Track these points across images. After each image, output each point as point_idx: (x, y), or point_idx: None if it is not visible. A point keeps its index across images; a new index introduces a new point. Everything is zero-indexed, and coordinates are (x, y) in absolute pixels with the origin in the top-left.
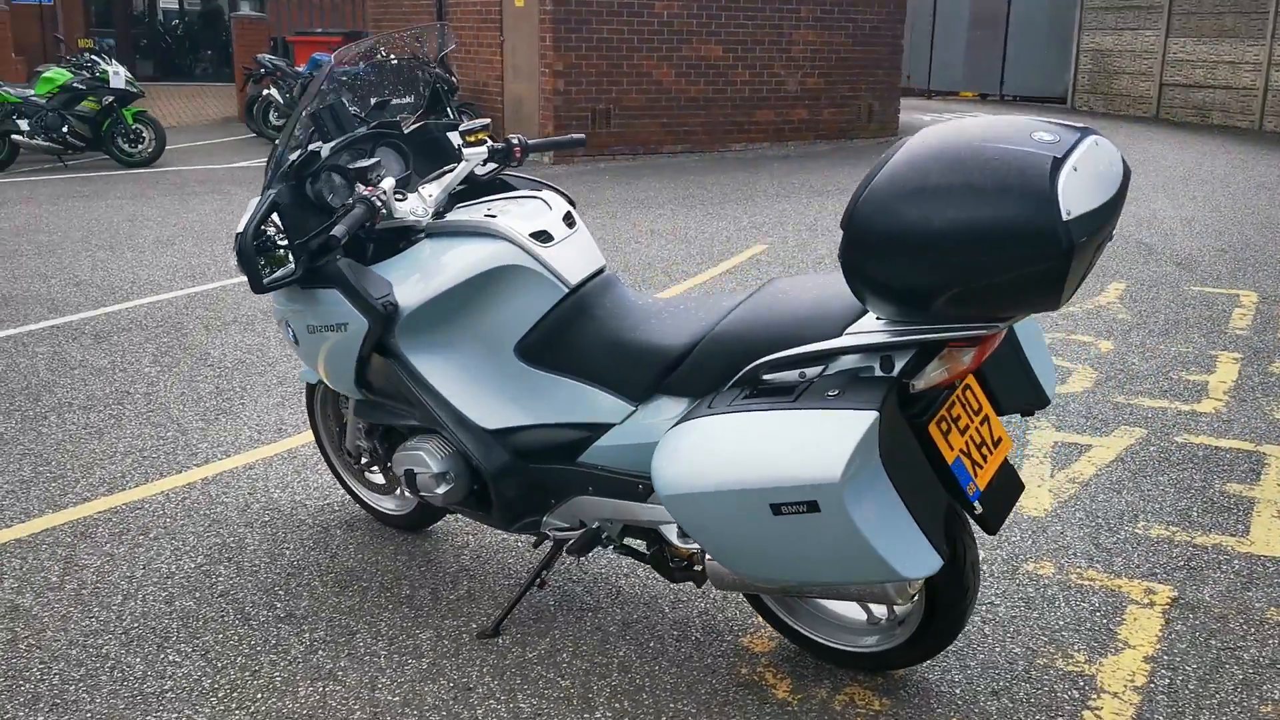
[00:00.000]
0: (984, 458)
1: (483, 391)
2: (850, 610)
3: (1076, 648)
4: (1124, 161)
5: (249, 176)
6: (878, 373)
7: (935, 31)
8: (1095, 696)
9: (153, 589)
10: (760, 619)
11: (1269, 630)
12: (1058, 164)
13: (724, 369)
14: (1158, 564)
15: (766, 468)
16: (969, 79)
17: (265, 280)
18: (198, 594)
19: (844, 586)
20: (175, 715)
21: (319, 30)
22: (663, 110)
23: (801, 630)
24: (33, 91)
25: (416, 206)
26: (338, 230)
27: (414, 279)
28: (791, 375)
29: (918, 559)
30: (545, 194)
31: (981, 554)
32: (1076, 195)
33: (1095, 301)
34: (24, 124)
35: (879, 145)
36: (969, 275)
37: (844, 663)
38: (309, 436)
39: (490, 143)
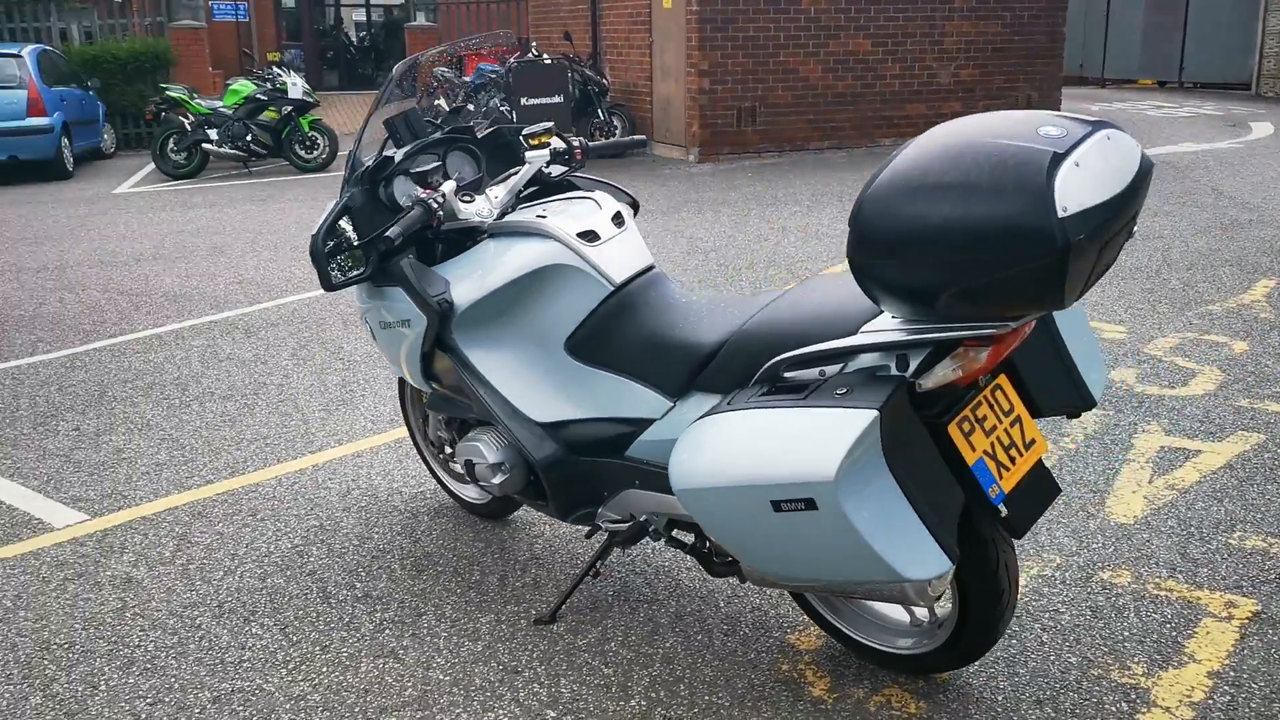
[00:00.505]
0: (1012, 460)
1: (534, 385)
2: (893, 611)
3: (1137, 660)
4: (1144, 157)
5: None
6: (893, 371)
7: (1110, 16)
8: (1145, 710)
9: (250, 566)
10: (807, 617)
11: None
12: (1058, 159)
13: (748, 366)
14: (1246, 576)
15: (766, 464)
16: (1146, 66)
17: (334, 279)
18: (288, 572)
19: (853, 585)
20: (247, 683)
21: (479, 42)
22: (809, 107)
23: (844, 629)
24: (221, 103)
25: (482, 208)
26: (391, 231)
27: (471, 277)
28: (812, 373)
29: (922, 560)
30: (598, 194)
31: (1057, 560)
32: (1075, 191)
33: (1239, 299)
34: (213, 133)
35: None
36: (967, 273)
37: (886, 663)
38: None
39: (553, 145)
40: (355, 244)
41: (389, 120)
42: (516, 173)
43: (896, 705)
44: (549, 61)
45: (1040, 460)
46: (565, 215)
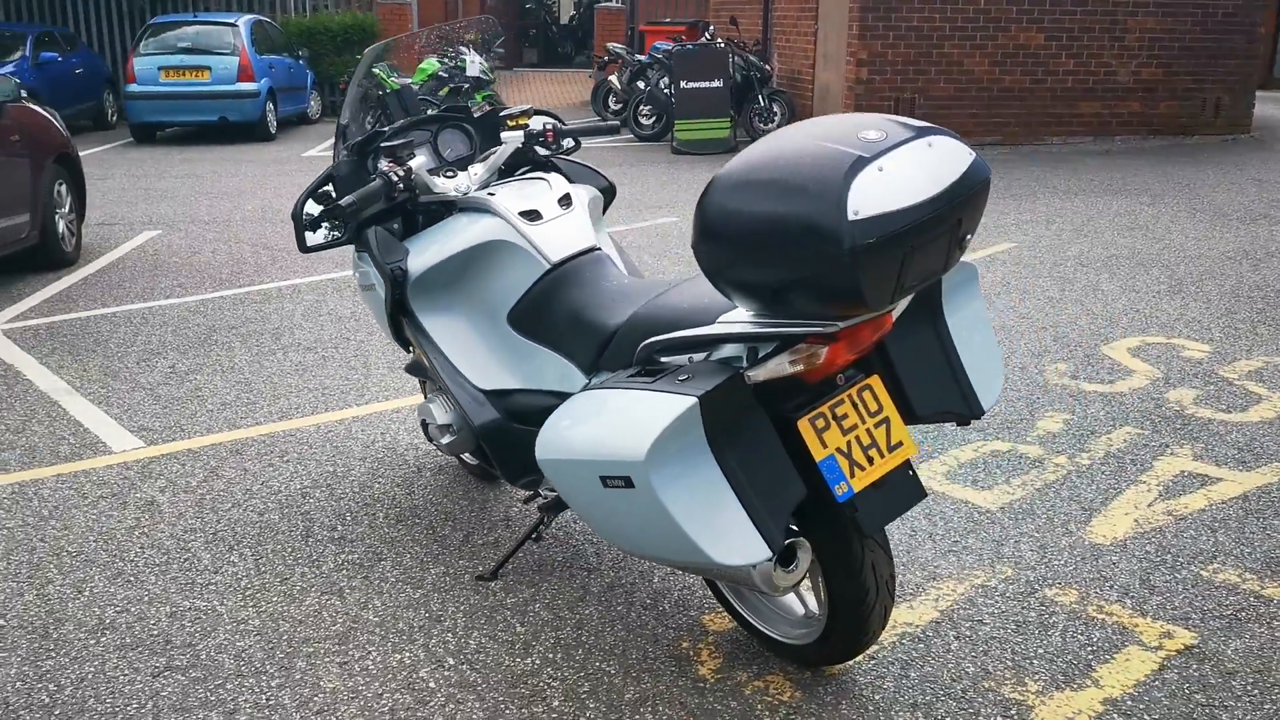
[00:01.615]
0: (869, 460)
1: (480, 354)
2: (790, 600)
3: (1037, 678)
4: (973, 168)
5: (584, 157)
6: (743, 363)
7: None
8: None
9: (256, 502)
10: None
11: (1273, 693)
12: (861, 164)
13: (633, 348)
14: (1199, 609)
15: (597, 441)
16: None
17: (309, 242)
18: (285, 510)
19: (680, 564)
20: (204, 603)
21: (667, 20)
22: (973, 101)
23: (743, 613)
24: (409, 79)
25: (462, 183)
26: (345, 200)
27: (429, 248)
28: (683, 359)
29: (738, 547)
30: (553, 176)
31: (1008, 572)
32: (872, 196)
33: None
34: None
35: (1222, 143)
36: (772, 269)
37: (778, 652)
38: None
39: (529, 127)
40: (320, 211)
41: (382, 96)
42: (494, 152)
43: (773, 692)
44: (720, 46)
45: (907, 463)
46: (514, 194)
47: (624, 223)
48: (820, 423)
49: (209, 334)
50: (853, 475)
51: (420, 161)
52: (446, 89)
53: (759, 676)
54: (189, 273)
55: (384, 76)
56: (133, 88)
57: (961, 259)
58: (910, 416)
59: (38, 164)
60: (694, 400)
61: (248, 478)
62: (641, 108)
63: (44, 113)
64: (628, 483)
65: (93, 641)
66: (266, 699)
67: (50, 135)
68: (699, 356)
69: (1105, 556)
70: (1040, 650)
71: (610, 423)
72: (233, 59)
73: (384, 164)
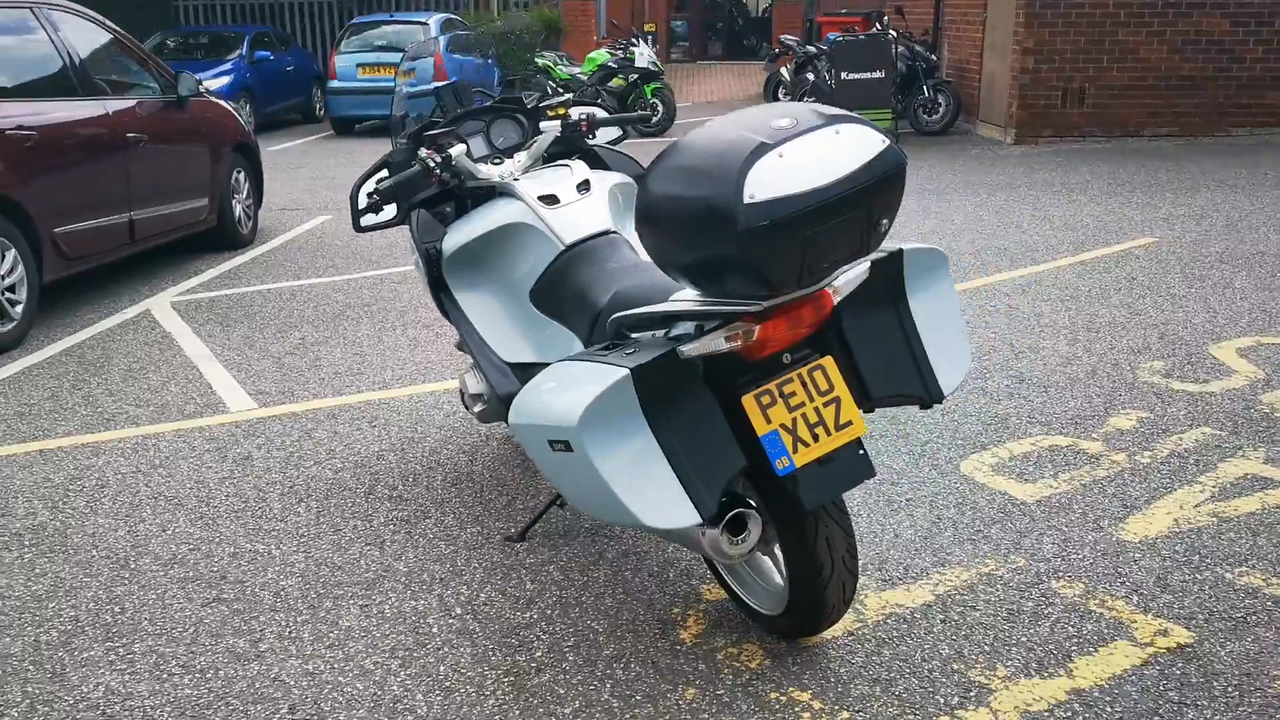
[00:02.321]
0: (815, 437)
1: (506, 329)
2: (770, 572)
3: (1010, 664)
4: (884, 156)
5: None
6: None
7: None
8: (970, 709)
9: (335, 461)
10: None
11: (1253, 696)
12: (763, 150)
13: (613, 324)
14: (1210, 610)
15: (545, 407)
16: None
17: (364, 222)
18: (358, 469)
19: (623, 524)
20: (263, 547)
21: (843, 11)
22: (1148, 90)
23: (729, 582)
24: (579, 70)
25: (506, 170)
26: (384, 184)
27: (461, 229)
28: (648, 335)
29: (667, 511)
30: (575, 163)
31: (1020, 562)
32: (769, 180)
33: None
34: (569, 98)
35: None
36: (687, 252)
37: (758, 622)
38: None
39: (566, 118)
40: (369, 194)
41: (437, 90)
42: (536, 141)
43: (743, 659)
44: (888, 36)
45: (857, 442)
46: (536, 180)
47: None
48: (766, 399)
49: (343, 310)
50: (795, 451)
51: (460, 149)
52: (617, 79)
53: (735, 644)
54: (345, 255)
55: (551, 66)
56: (333, 84)
57: (930, 246)
58: (865, 397)
59: (217, 153)
60: (625, 372)
61: (335, 439)
62: (806, 99)
63: (225, 105)
64: (567, 446)
65: (161, 573)
66: (289, 632)
67: (230, 126)
68: (661, 332)
69: (1127, 554)
70: (1024, 639)
71: (558, 391)
72: (428, 61)
73: (423, 151)
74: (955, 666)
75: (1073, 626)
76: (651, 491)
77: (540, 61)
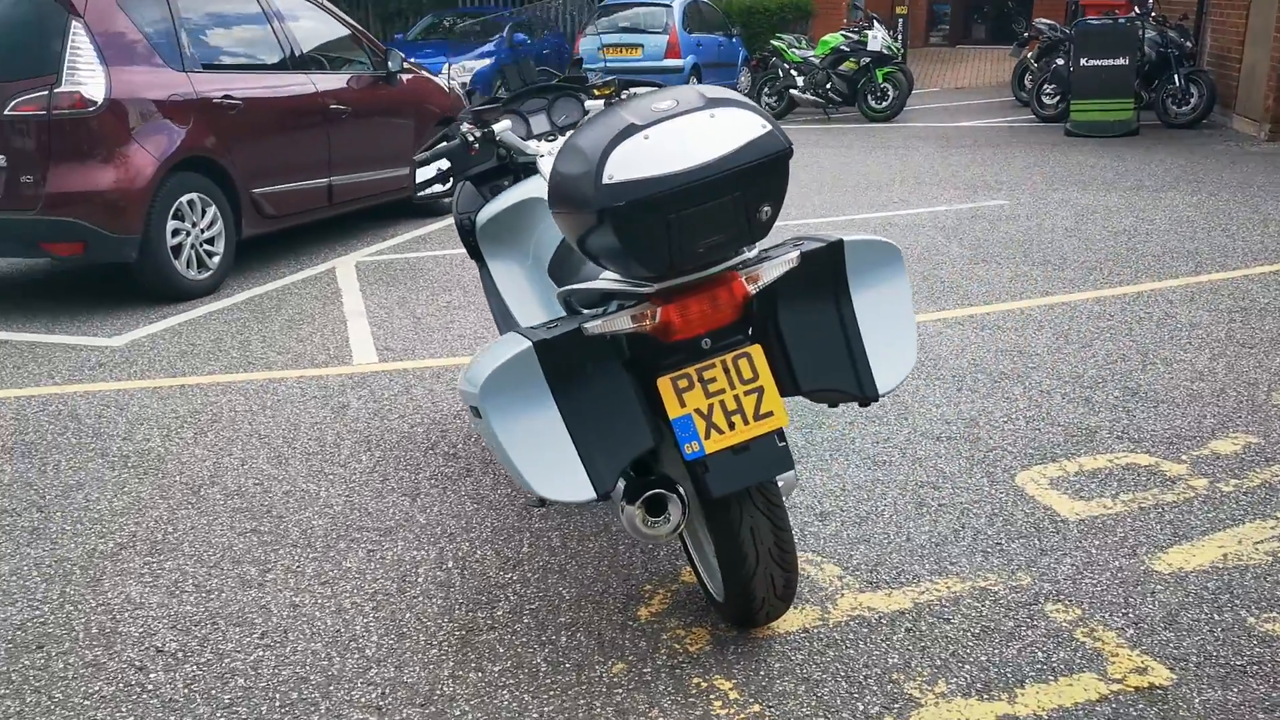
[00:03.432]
0: (730, 425)
1: (527, 299)
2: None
3: (955, 682)
4: (762, 141)
5: (966, 136)
6: None
7: None
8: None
9: (416, 415)
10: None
11: None
12: (630, 131)
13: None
14: (1207, 653)
15: (467, 375)
16: None
17: (418, 192)
18: (430, 426)
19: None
20: (314, 487)
21: None
22: None
23: (695, 563)
24: (813, 52)
25: (546, 146)
26: (421, 154)
27: (496, 202)
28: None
29: (563, 484)
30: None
31: (1025, 580)
32: (630, 161)
33: None
34: (800, 80)
35: None
36: (567, 229)
37: (714, 607)
38: None
39: (610, 98)
40: (422, 164)
41: (502, 68)
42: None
43: (686, 641)
44: (1135, 22)
45: (778, 433)
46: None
47: (946, 203)
48: (683, 383)
49: None
50: (708, 437)
51: (504, 125)
52: (848, 62)
53: (686, 627)
54: None
55: (784, 48)
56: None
57: (878, 237)
58: (794, 389)
59: (422, 125)
60: (528, 344)
61: (427, 396)
62: (1045, 86)
63: (437, 81)
64: (476, 413)
65: (222, 502)
66: (296, 566)
67: (437, 100)
68: (602, 309)
69: (1148, 584)
70: (983, 658)
71: (479, 359)
72: (662, 37)
73: (465, 125)
74: (894, 677)
75: (1044, 652)
76: (549, 463)
77: (774, 43)
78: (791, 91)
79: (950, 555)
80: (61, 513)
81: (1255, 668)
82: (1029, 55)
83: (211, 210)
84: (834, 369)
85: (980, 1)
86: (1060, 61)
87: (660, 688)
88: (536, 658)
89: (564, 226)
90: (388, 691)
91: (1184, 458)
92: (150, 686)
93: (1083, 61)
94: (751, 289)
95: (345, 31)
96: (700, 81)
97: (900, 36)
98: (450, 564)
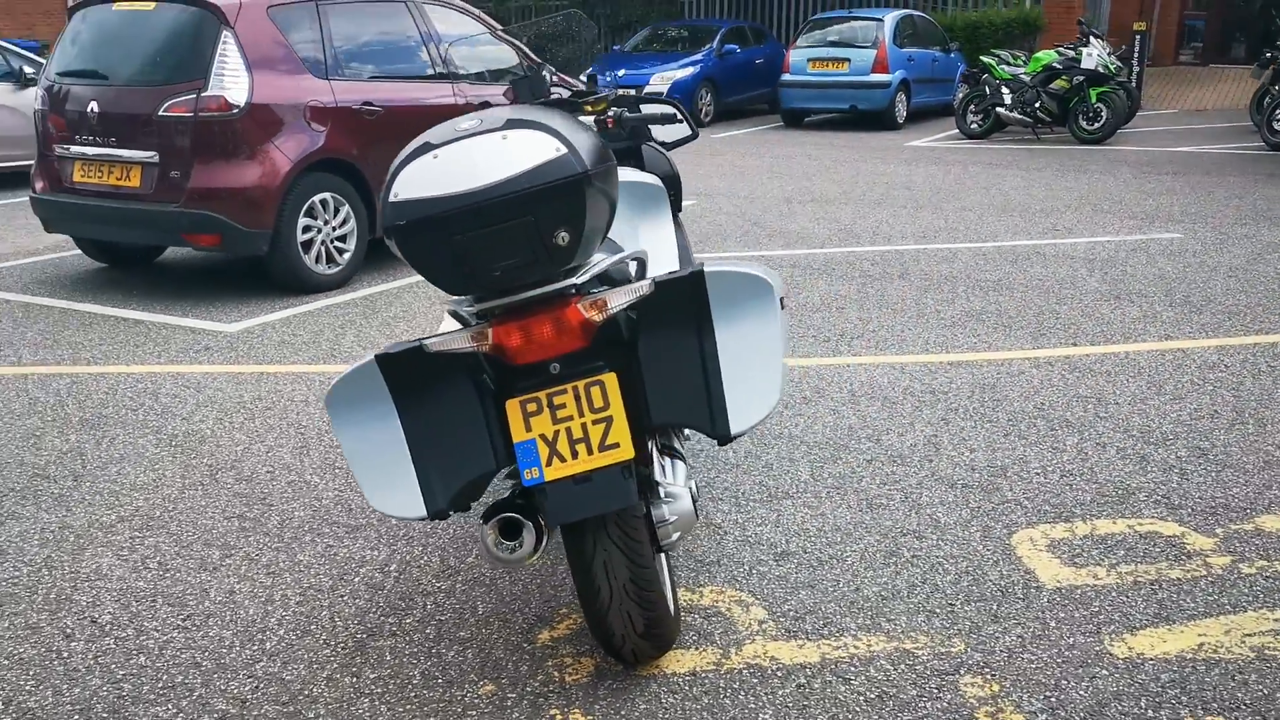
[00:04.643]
0: (574, 454)
1: None
2: None
3: None
4: (551, 166)
5: (1176, 162)
6: None
7: None
8: None
9: None
10: None
11: None
12: (424, 150)
13: None
14: None
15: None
16: None
17: None
18: None
19: None
20: (319, 480)
21: None
22: None
23: None
24: (1023, 69)
25: None
26: None
27: None
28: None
29: (398, 499)
30: None
31: (958, 649)
32: (413, 181)
33: None
34: (1008, 98)
35: None
36: None
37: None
38: None
39: (601, 114)
40: None
41: (515, 80)
42: None
43: (567, 670)
44: None
45: (625, 466)
46: None
47: (1113, 234)
48: (532, 407)
49: None
50: (549, 463)
51: None
52: (1060, 80)
53: (577, 656)
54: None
55: (992, 64)
56: (786, 77)
57: (749, 270)
58: (647, 420)
59: None
60: (371, 359)
61: None
62: (1277, 111)
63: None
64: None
65: (230, 487)
66: (256, 554)
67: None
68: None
69: (1093, 668)
70: (854, 703)
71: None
72: (869, 52)
73: None
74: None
75: (937, 710)
76: (387, 476)
77: (984, 58)
78: (998, 110)
79: (892, 612)
80: (91, 483)
81: None
82: (1268, 77)
83: (345, 209)
84: (688, 404)
85: (1242, 16)
86: None
87: (514, 714)
88: (415, 670)
89: None
90: (260, 686)
91: (1218, 531)
92: (65, 655)
93: None
94: (595, 316)
95: (499, 46)
96: (909, 98)
97: (1136, 53)
98: (392, 567)
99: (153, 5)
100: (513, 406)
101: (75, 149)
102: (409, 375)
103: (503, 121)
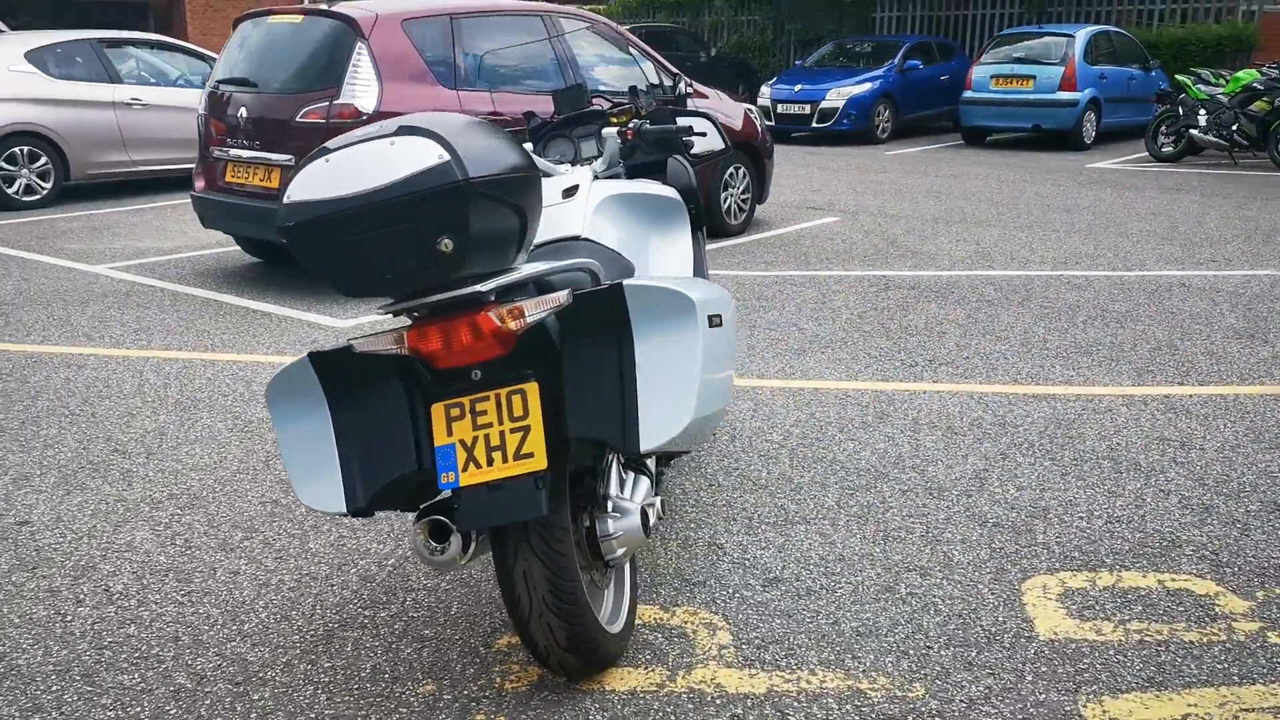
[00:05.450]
0: (490, 461)
1: None
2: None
3: None
4: (431, 172)
5: None
6: None
7: None
8: None
9: None
10: None
11: None
12: (320, 154)
13: None
14: None
15: None
16: None
17: None
18: None
19: None
20: None
21: None
22: None
23: None
24: (1220, 90)
25: (580, 170)
26: None
27: None
28: None
29: (321, 494)
30: (578, 170)
31: (917, 694)
32: (305, 183)
33: None
34: (1203, 119)
35: None
36: None
37: None
38: None
39: (622, 126)
40: None
41: (557, 92)
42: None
43: (511, 679)
44: None
45: (538, 476)
46: (553, 183)
47: (1274, 268)
48: (455, 411)
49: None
50: (465, 469)
51: (528, 147)
52: (1260, 101)
53: (526, 665)
54: (797, 255)
55: (1188, 84)
56: (967, 94)
57: (670, 286)
58: (561, 433)
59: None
60: (304, 357)
61: None
62: None
63: (738, 107)
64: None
65: (279, 474)
66: (275, 540)
67: (730, 127)
68: None
69: None
70: None
71: None
72: (1057, 69)
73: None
74: None
75: None
76: (314, 471)
77: (1180, 77)
78: (1192, 132)
79: (861, 649)
80: (159, 461)
81: None
82: None
83: None
84: (602, 418)
85: None
86: None
87: (442, 716)
88: (369, 664)
89: None
90: (223, 665)
91: (1258, 595)
92: (69, 619)
93: None
94: (511, 324)
95: (636, 58)
96: (1100, 117)
97: None
98: (390, 561)
99: (300, 19)
100: (437, 410)
101: (229, 151)
102: (341, 374)
103: (394, 128)
